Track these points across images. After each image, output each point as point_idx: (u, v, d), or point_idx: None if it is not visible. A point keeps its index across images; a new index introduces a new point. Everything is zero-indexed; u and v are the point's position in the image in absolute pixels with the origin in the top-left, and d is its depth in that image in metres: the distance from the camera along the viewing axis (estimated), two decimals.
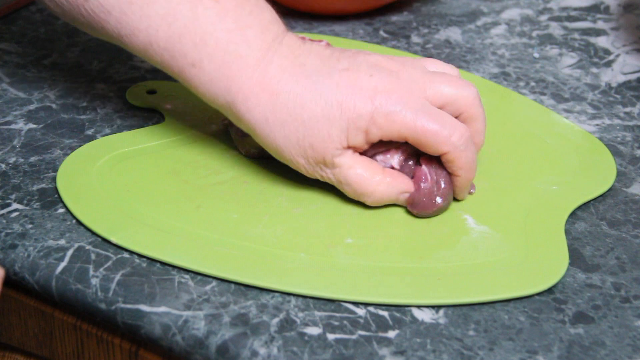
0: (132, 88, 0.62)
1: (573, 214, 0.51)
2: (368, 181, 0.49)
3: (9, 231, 0.48)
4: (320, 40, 0.55)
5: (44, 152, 0.55)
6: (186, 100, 0.60)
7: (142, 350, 0.47)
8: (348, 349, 0.41)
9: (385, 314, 0.44)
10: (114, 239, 0.47)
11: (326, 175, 0.49)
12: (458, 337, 0.42)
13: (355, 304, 0.44)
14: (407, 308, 0.44)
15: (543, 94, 0.64)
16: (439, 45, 0.71)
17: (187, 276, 0.46)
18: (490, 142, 0.56)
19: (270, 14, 0.50)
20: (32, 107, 0.60)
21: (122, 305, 0.44)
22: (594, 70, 0.67)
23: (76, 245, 0.47)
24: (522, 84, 0.65)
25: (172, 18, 0.48)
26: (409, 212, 0.50)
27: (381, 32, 0.73)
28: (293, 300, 0.44)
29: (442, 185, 0.49)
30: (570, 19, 0.76)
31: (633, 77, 0.67)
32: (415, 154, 0.50)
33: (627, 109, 0.62)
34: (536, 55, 0.70)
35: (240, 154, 0.55)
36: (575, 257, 0.48)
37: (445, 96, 0.48)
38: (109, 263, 0.46)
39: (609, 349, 0.42)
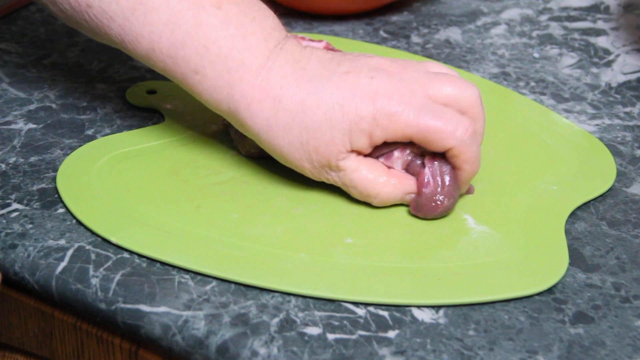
0: (132, 88, 0.62)
1: (573, 214, 0.51)
2: (373, 183, 0.49)
3: (9, 231, 0.48)
4: (320, 41, 0.55)
5: (44, 152, 0.55)
6: (186, 100, 0.60)
7: (142, 350, 0.47)
8: (348, 349, 0.41)
9: (385, 314, 0.44)
10: (114, 239, 0.47)
11: (332, 178, 0.49)
12: (458, 337, 0.42)
13: (355, 304, 0.44)
14: (407, 308, 0.44)
15: (543, 94, 0.64)
16: (439, 45, 0.71)
17: (187, 276, 0.46)
18: (491, 142, 0.56)
19: (272, 21, 0.50)
20: (32, 107, 0.60)
21: (122, 305, 0.44)
22: (594, 70, 0.67)
23: (76, 245, 0.47)
24: (522, 84, 0.65)
25: (174, 25, 0.48)
26: (410, 212, 0.50)
27: (381, 32, 0.73)
28: (293, 300, 0.44)
29: (447, 184, 0.49)
30: (570, 19, 0.76)
31: (633, 77, 0.67)
32: (421, 154, 0.50)
33: (627, 109, 0.62)
34: (536, 55, 0.70)
35: (240, 154, 0.55)
36: (575, 257, 0.48)
37: (447, 96, 0.48)
38: (109, 263, 0.46)
39: (609, 349, 0.42)
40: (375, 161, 0.49)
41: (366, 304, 0.44)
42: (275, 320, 0.43)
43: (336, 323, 0.43)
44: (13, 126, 0.58)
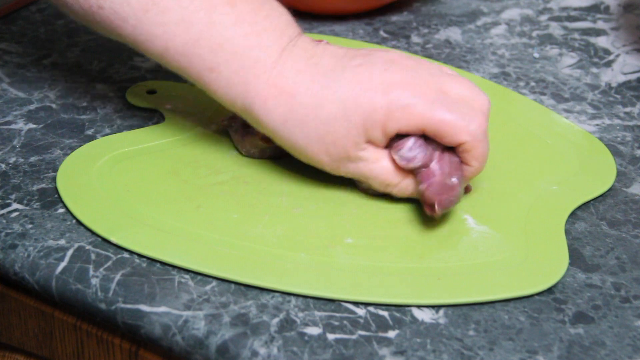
0: (132, 88, 0.62)
1: (573, 214, 0.51)
2: (394, 172, 0.49)
3: (9, 231, 0.48)
4: (320, 40, 0.55)
5: (44, 152, 0.55)
6: (186, 100, 0.60)
7: (142, 350, 0.47)
8: (348, 349, 0.41)
9: (385, 314, 0.44)
10: (114, 239, 0.47)
11: (350, 170, 0.49)
12: (458, 337, 0.42)
13: (355, 304, 0.44)
14: (407, 308, 0.44)
15: (543, 94, 0.64)
16: (439, 45, 0.71)
17: (187, 276, 0.46)
18: (491, 142, 0.55)
19: (286, 18, 0.50)
20: (32, 107, 0.60)
21: (122, 305, 0.44)
22: (594, 70, 0.67)
23: (76, 245, 0.47)
24: (522, 84, 0.65)
25: (188, 24, 0.48)
26: (409, 212, 0.50)
27: (381, 32, 0.73)
28: (293, 300, 0.44)
29: (456, 172, 0.48)
30: (570, 19, 0.76)
31: (633, 77, 0.67)
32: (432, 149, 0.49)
33: (627, 109, 0.62)
34: (536, 55, 0.70)
35: (240, 154, 0.55)
36: (575, 257, 0.48)
37: (459, 95, 0.48)
38: (109, 263, 0.46)
39: (609, 349, 0.42)
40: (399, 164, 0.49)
41: (366, 304, 0.44)
42: (275, 320, 0.43)
43: (336, 323, 0.43)
44: (13, 126, 0.58)
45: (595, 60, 0.69)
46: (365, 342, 0.42)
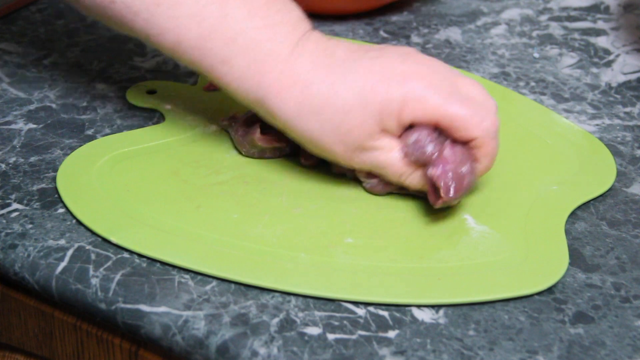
0: (132, 88, 0.62)
1: (573, 214, 0.51)
2: (407, 162, 0.49)
3: (9, 231, 0.48)
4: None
5: (44, 152, 0.55)
6: (186, 100, 0.60)
7: (142, 350, 0.47)
8: (348, 349, 0.41)
9: (385, 314, 0.44)
10: (114, 239, 0.47)
11: (364, 160, 0.49)
12: (458, 337, 0.42)
13: (355, 303, 0.44)
14: (407, 308, 0.44)
15: (543, 94, 0.64)
16: (439, 45, 0.71)
17: (187, 276, 0.46)
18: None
19: (298, 13, 0.50)
20: (32, 107, 0.60)
21: (122, 305, 0.44)
22: (594, 70, 0.67)
23: (76, 245, 0.47)
24: (522, 84, 0.65)
25: (200, 18, 0.48)
26: (409, 212, 0.50)
27: (381, 32, 0.73)
28: (293, 300, 0.44)
29: (467, 163, 0.48)
30: (570, 19, 0.76)
31: (633, 77, 0.67)
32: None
33: (627, 109, 0.62)
34: (536, 55, 0.70)
35: (240, 154, 0.55)
36: (575, 257, 0.48)
37: (472, 95, 0.48)
38: (109, 263, 0.46)
39: (609, 349, 0.42)
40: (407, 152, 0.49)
41: (366, 304, 0.44)
42: (275, 320, 0.43)
43: (336, 323, 0.43)
44: (13, 126, 0.58)
45: (595, 60, 0.69)
46: (365, 342, 0.42)
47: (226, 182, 0.52)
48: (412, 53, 0.49)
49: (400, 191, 0.51)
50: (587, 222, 0.51)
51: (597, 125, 0.60)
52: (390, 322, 0.43)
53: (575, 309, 0.44)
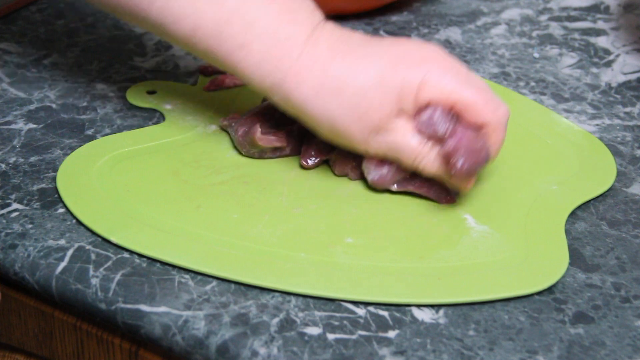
0: (132, 88, 0.62)
1: (573, 214, 0.51)
2: (423, 143, 0.49)
3: (9, 231, 0.48)
4: None
5: (44, 152, 0.55)
6: (186, 100, 0.60)
7: (142, 350, 0.47)
8: (348, 349, 0.41)
9: (385, 314, 0.44)
10: (114, 239, 0.47)
11: (379, 142, 0.49)
12: (458, 337, 0.42)
13: (355, 303, 0.44)
14: (407, 308, 0.44)
15: (543, 94, 0.64)
16: (439, 45, 0.71)
17: (187, 276, 0.46)
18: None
19: (311, 3, 0.51)
20: (32, 107, 0.60)
21: (122, 305, 0.44)
22: (594, 70, 0.67)
23: (76, 245, 0.47)
24: (522, 84, 0.65)
25: (219, 3, 0.48)
26: (409, 212, 0.50)
27: (381, 32, 0.73)
28: (293, 300, 0.44)
29: (481, 142, 0.48)
30: (570, 19, 0.76)
31: (633, 77, 0.67)
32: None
33: (627, 109, 0.62)
34: (536, 55, 0.70)
35: (240, 154, 0.55)
36: (575, 257, 0.48)
37: (486, 89, 0.49)
38: (109, 263, 0.46)
39: (609, 349, 0.42)
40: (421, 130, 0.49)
41: (366, 304, 0.44)
42: (275, 320, 0.43)
43: (336, 323, 0.43)
44: (13, 126, 0.58)
45: (595, 60, 0.69)
46: (365, 342, 0.42)
47: (226, 182, 0.52)
48: (428, 43, 0.50)
49: (404, 187, 0.51)
50: (587, 222, 0.51)
51: (597, 125, 0.60)
52: (390, 322, 0.43)
53: (575, 309, 0.44)
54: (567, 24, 0.75)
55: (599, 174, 0.54)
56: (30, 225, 0.49)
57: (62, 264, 0.46)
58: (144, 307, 0.44)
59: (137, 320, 0.43)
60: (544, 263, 0.46)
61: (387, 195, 0.52)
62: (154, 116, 0.59)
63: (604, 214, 0.51)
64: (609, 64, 0.68)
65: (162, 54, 0.68)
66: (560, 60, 0.69)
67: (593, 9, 0.78)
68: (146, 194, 0.51)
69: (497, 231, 0.49)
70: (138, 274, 0.45)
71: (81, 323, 0.48)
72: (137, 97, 0.61)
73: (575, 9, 0.78)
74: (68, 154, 0.54)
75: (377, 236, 0.48)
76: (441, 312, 0.44)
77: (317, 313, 0.43)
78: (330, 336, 0.42)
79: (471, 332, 0.43)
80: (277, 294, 0.45)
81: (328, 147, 0.53)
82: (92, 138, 0.57)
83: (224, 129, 0.57)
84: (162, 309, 0.43)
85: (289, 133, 0.54)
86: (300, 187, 0.52)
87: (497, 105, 0.48)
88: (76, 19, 0.73)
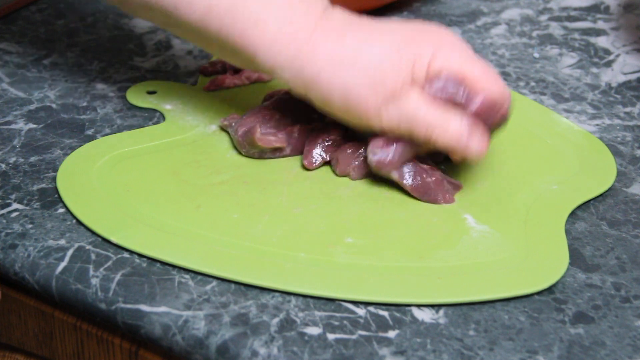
0: (132, 88, 0.62)
1: (573, 214, 0.51)
2: (437, 110, 0.49)
3: (9, 231, 0.48)
4: None
5: (44, 152, 0.55)
6: (186, 100, 0.60)
7: (142, 350, 0.47)
8: (348, 349, 0.41)
9: (385, 313, 0.44)
10: (114, 239, 0.47)
11: (393, 114, 0.49)
12: (458, 337, 0.42)
13: (355, 303, 0.44)
14: (407, 308, 0.44)
15: (543, 94, 0.64)
16: None
17: (187, 276, 0.46)
18: (491, 141, 0.56)
19: None
20: (32, 107, 0.60)
21: (122, 305, 0.44)
22: (594, 70, 0.67)
23: (76, 245, 0.47)
24: (522, 84, 0.65)
25: None
26: (409, 212, 0.50)
27: None
28: (293, 300, 0.44)
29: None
30: (570, 19, 0.76)
31: (633, 77, 0.67)
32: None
33: (627, 109, 0.62)
34: (536, 55, 0.70)
35: (240, 154, 0.55)
36: (575, 257, 0.48)
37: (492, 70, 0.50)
38: (109, 263, 0.46)
39: (609, 349, 0.42)
40: (434, 97, 0.49)
41: (366, 304, 0.44)
42: (275, 320, 0.43)
43: (336, 323, 0.43)
44: (13, 126, 0.58)
45: (595, 60, 0.69)
46: (365, 342, 0.42)
47: (226, 182, 0.52)
48: (438, 25, 0.51)
49: (402, 177, 0.51)
50: (587, 222, 0.51)
51: (597, 125, 0.60)
52: (390, 322, 0.43)
53: (575, 309, 0.44)
54: (567, 24, 0.75)
55: (599, 173, 0.54)
56: (30, 225, 0.49)
57: (62, 264, 0.46)
58: (144, 307, 0.44)
59: (137, 320, 0.43)
60: (544, 263, 0.46)
61: (387, 195, 0.52)
62: (154, 116, 0.59)
63: (604, 214, 0.51)
64: (609, 64, 0.68)
65: (162, 54, 0.68)
66: (560, 60, 0.69)
67: (593, 9, 0.78)
68: (146, 194, 0.51)
69: (497, 231, 0.49)
70: (138, 274, 0.45)
71: (81, 323, 0.48)
72: (137, 97, 0.61)
73: (575, 9, 0.78)
74: (68, 154, 0.54)
75: (377, 236, 0.48)
76: (441, 312, 0.44)
77: (317, 313, 0.43)
78: (330, 336, 0.42)
79: (471, 332, 0.43)
80: (277, 294, 0.45)
81: (331, 147, 0.53)
82: (92, 138, 0.57)
83: (224, 129, 0.57)
84: (162, 309, 0.43)
85: (289, 134, 0.54)
86: (300, 187, 0.52)
87: (502, 85, 0.49)
88: (76, 19, 0.73)
